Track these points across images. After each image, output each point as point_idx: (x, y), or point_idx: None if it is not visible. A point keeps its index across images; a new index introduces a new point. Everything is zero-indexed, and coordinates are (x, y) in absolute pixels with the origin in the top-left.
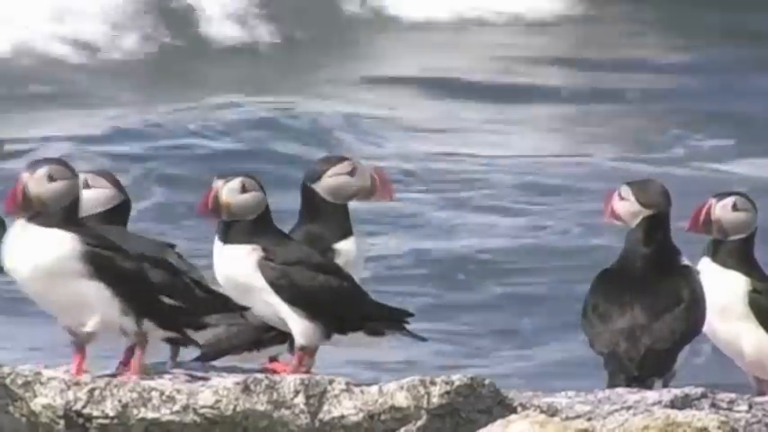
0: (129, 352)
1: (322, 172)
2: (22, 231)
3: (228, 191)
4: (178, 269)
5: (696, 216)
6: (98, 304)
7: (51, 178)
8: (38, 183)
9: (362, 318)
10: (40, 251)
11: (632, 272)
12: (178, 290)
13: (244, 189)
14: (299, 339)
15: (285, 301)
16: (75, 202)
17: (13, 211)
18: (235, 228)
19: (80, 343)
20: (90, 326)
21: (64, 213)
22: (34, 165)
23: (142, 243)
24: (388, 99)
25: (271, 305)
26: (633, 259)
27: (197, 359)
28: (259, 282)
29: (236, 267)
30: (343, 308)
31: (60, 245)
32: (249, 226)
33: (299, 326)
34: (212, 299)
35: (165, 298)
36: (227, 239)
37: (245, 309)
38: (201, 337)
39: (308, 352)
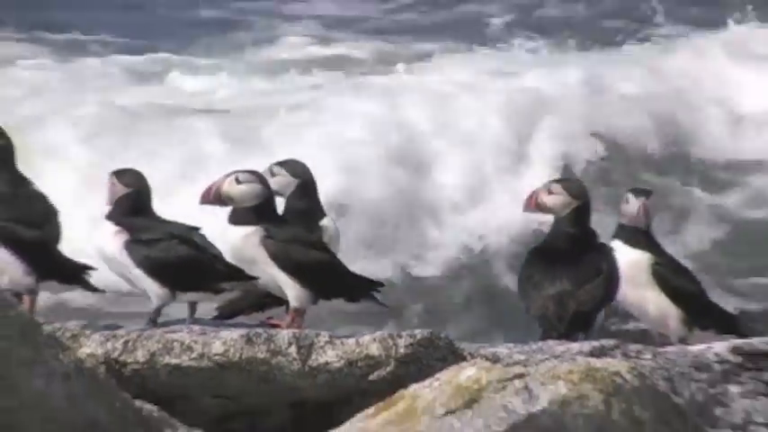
0: (156, 312)
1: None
2: None
3: (227, 183)
4: (202, 246)
5: (638, 212)
6: (5, 267)
7: None
8: None
9: (343, 286)
10: None
11: (559, 249)
12: (202, 263)
13: (238, 181)
14: (294, 302)
15: (283, 271)
16: None
17: None
18: (241, 212)
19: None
20: (2, 283)
21: None
22: None
23: (174, 226)
24: None
25: (271, 275)
26: (560, 239)
27: (215, 318)
28: (263, 256)
29: (243, 244)
30: (329, 278)
31: None
32: (254, 210)
33: (293, 291)
34: (229, 270)
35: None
36: (235, 221)
37: (254, 278)
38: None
39: (300, 312)
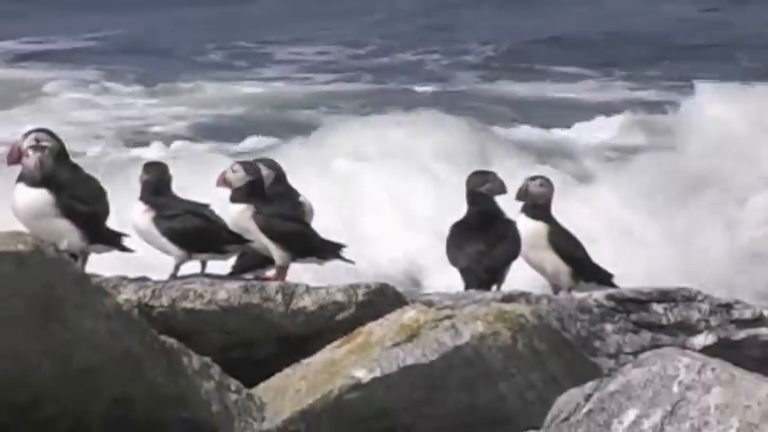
0: (176, 268)
1: None
2: (20, 190)
3: (228, 172)
4: (211, 219)
5: (520, 191)
6: (65, 233)
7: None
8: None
9: (314, 249)
10: (31, 201)
11: (475, 223)
12: (211, 231)
13: (233, 170)
14: (278, 261)
15: (269, 238)
16: (51, 170)
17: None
18: (237, 192)
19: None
20: (62, 246)
21: (46, 178)
22: (37, 148)
23: (189, 204)
24: None
25: (260, 240)
26: (473, 215)
27: (230, 274)
28: (253, 227)
29: (239, 217)
30: (303, 242)
31: (41, 197)
32: (247, 192)
33: (277, 253)
34: (232, 236)
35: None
36: (233, 200)
37: (250, 242)
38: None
39: (283, 269)
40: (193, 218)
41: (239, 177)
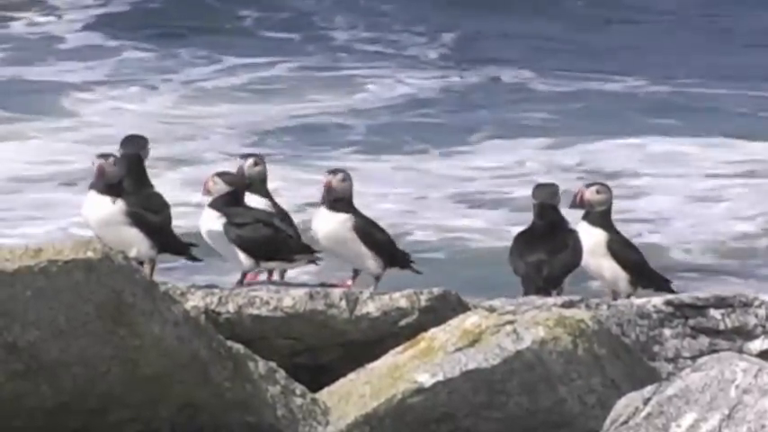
0: (243, 276)
1: None
2: (92, 197)
3: (336, 181)
4: (280, 228)
5: (575, 198)
6: (135, 241)
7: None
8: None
9: (400, 258)
10: (101, 209)
11: (537, 231)
12: (278, 240)
13: (343, 180)
14: (374, 271)
15: (368, 248)
16: (121, 180)
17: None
18: (340, 203)
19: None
20: (131, 254)
21: (116, 186)
22: (105, 156)
23: (259, 213)
24: None
25: (354, 250)
26: (536, 225)
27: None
28: (353, 236)
29: (340, 227)
30: (394, 252)
31: (111, 205)
32: (348, 202)
33: (374, 262)
34: (299, 246)
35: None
36: (335, 209)
37: (318, 252)
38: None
39: (378, 277)
40: (263, 227)
41: (349, 187)
